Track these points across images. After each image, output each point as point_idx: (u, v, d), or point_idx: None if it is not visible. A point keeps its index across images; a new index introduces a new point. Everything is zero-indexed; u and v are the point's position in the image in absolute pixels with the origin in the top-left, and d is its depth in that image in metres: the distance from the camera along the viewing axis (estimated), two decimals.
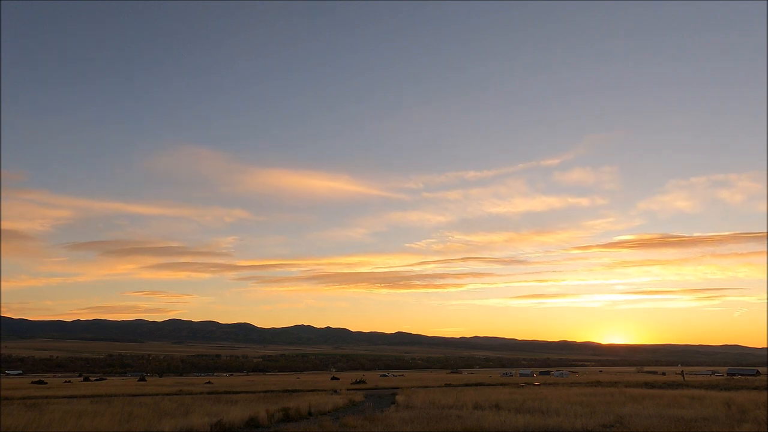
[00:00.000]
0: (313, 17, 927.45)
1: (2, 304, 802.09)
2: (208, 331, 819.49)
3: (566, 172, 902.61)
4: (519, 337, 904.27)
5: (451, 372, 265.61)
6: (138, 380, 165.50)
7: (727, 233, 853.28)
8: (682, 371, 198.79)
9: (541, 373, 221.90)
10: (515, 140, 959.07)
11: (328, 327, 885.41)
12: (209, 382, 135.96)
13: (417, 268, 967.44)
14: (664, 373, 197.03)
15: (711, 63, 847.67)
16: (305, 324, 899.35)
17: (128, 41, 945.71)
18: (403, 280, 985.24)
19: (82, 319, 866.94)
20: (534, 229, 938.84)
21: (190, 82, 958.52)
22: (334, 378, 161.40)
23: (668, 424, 30.30)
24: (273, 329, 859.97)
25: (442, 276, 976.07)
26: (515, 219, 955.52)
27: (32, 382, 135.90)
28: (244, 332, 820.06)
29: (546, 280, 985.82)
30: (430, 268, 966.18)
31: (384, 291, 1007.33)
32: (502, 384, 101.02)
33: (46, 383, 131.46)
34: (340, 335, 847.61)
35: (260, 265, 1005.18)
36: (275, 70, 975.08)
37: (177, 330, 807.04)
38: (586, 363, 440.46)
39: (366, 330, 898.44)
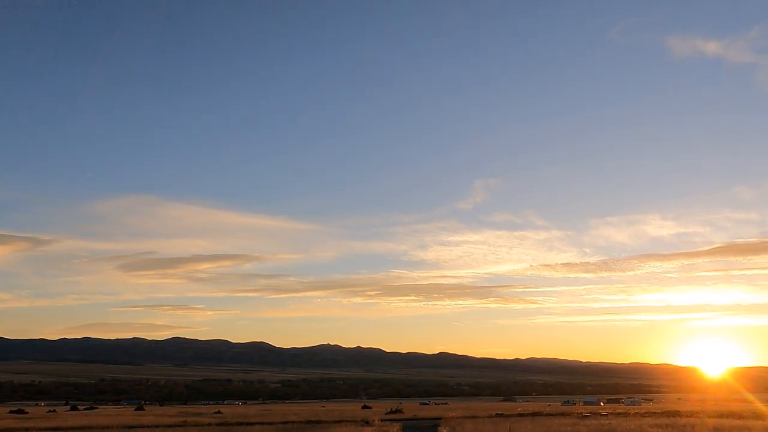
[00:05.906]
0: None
1: None
2: (218, 351, 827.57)
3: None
4: (583, 359, 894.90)
5: (504, 400, 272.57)
6: (135, 409, 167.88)
7: None
8: None
9: (609, 401, 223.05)
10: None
11: (359, 347, 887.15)
12: (218, 412, 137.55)
13: (457, 281, 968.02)
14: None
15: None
16: (331, 343, 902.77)
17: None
18: (441, 291, 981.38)
19: (68, 337, 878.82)
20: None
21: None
22: (365, 407, 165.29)
23: None
24: (293, 349, 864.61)
25: (488, 289, 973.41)
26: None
27: (10, 412, 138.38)
28: (259, 353, 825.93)
29: (618, 292, 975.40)
30: (473, 280, 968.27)
31: (421, 304, 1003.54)
32: (562, 414, 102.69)
33: (27, 413, 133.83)
34: (373, 356, 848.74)
35: (274, 275, 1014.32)
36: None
37: (180, 350, 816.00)
38: (661, 389, 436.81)
39: (403, 350, 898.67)
